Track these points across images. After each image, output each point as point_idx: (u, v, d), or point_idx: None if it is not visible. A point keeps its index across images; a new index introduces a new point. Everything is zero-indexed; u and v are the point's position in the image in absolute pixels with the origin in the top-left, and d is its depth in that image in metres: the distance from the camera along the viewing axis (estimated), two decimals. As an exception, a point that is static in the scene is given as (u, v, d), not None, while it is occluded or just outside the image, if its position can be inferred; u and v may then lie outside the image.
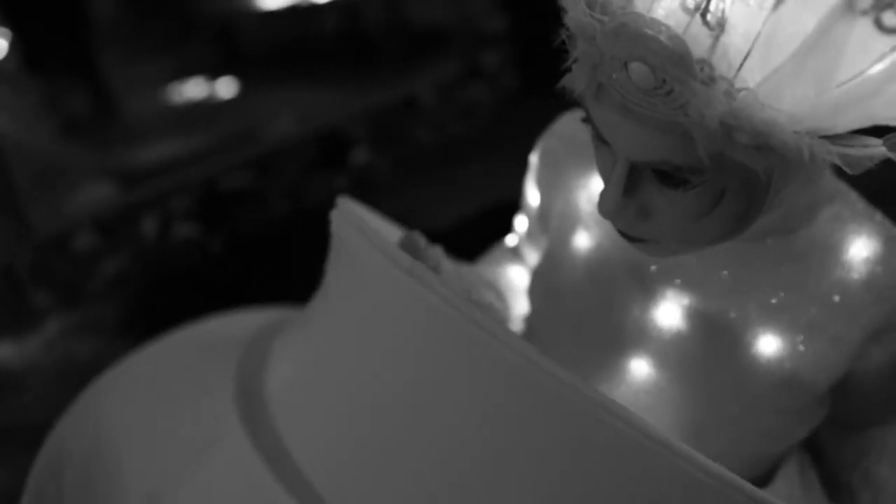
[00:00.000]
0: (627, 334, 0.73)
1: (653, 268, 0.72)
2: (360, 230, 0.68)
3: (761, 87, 0.51)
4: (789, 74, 0.50)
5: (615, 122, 0.57)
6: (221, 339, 0.85)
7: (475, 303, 0.68)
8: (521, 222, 0.89)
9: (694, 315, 0.71)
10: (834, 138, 0.53)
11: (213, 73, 2.97)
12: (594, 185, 0.77)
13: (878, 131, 0.54)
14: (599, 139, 0.60)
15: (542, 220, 0.82)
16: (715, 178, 0.56)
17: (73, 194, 2.09)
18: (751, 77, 0.51)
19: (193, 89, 2.88)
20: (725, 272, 0.70)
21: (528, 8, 2.47)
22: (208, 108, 2.77)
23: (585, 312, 0.75)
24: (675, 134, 0.54)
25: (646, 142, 0.56)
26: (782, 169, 0.57)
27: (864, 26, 0.49)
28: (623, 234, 0.63)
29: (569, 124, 0.80)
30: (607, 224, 0.68)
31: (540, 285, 0.80)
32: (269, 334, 0.80)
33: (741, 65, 0.51)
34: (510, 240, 0.92)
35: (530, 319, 0.84)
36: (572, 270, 0.76)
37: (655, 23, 0.50)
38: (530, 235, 0.86)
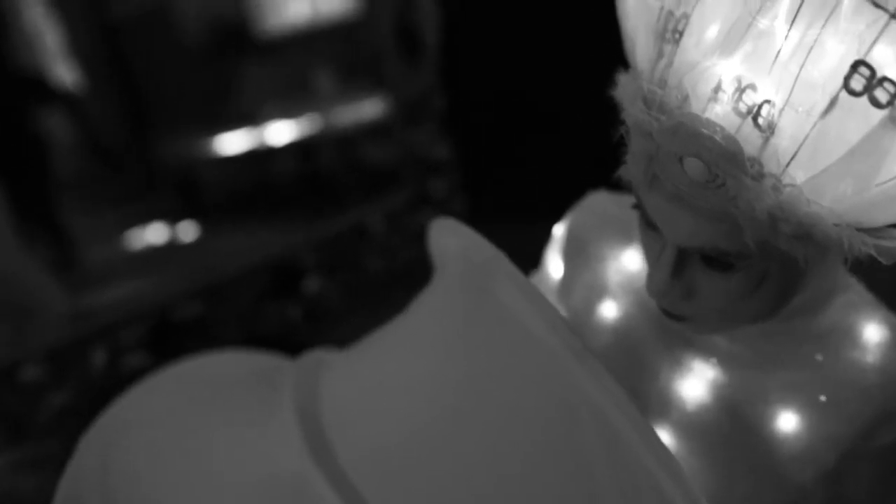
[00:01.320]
0: (651, 403, 0.74)
1: (681, 340, 0.74)
2: (524, 291, 0.61)
3: (806, 185, 0.55)
4: (833, 175, 0.54)
5: (668, 210, 0.61)
6: (247, 371, 0.77)
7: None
8: None
9: (718, 388, 0.73)
10: (870, 231, 0.57)
11: (174, 219, 3.04)
12: (625, 257, 0.80)
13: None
14: (648, 225, 0.64)
15: (563, 291, 0.84)
16: (758, 262, 0.60)
17: (22, 326, 2.09)
18: (797, 175, 0.55)
19: (153, 235, 2.95)
20: (751, 348, 0.72)
21: (472, 135, 2.58)
22: (167, 252, 2.82)
23: None
24: (724, 223, 0.58)
25: (696, 229, 0.60)
26: (820, 256, 0.60)
27: None
28: (666, 312, 0.66)
29: (598, 201, 0.85)
30: (636, 294, 0.73)
31: None
32: (315, 366, 0.73)
33: (788, 164, 0.55)
34: None
35: None
36: (598, 338, 0.78)
37: (711, 123, 0.54)
38: None
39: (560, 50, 2.29)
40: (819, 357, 0.72)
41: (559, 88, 2.28)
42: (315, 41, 2.96)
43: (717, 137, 0.54)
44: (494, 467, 0.58)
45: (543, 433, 0.58)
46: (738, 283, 0.62)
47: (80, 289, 2.52)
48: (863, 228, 0.57)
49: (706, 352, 0.74)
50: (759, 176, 0.55)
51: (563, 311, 0.83)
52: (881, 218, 0.57)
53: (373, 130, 2.75)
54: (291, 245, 2.36)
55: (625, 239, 0.81)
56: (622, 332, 0.78)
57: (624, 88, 0.61)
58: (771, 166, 0.55)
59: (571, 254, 0.85)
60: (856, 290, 0.75)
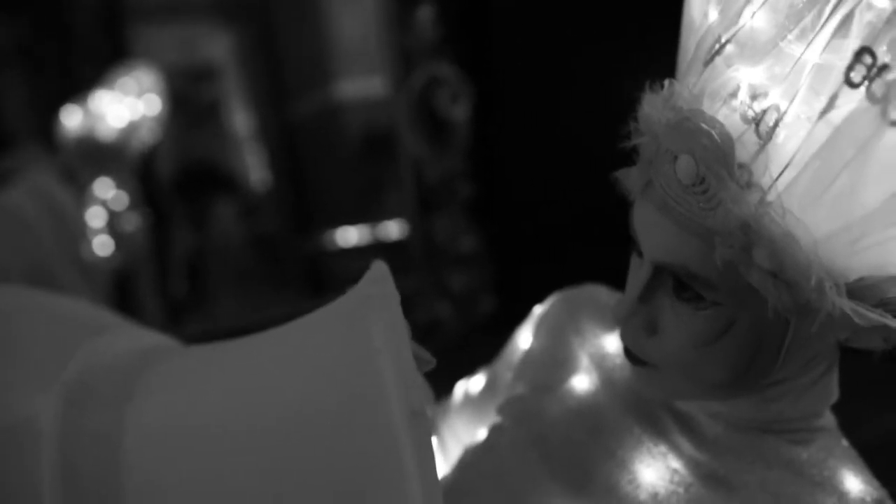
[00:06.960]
0: (595, 484, 0.73)
1: (648, 424, 0.73)
2: (393, 334, 0.53)
3: (786, 192, 0.54)
4: (814, 181, 0.53)
5: (651, 220, 0.61)
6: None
7: None
8: (478, 381, 0.90)
9: (674, 483, 0.70)
10: (850, 294, 0.55)
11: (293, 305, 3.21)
12: (606, 339, 0.80)
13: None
14: (636, 250, 0.65)
15: (525, 362, 0.82)
16: (727, 302, 0.60)
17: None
18: (784, 193, 0.55)
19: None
20: (718, 460, 0.69)
21: (506, 230, 2.41)
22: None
23: (560, 445, 0.75)
24: (698, 238, 0.58)
25: (671, 241, 0.60)
26: (796, 321, 0.59)
27: (893, 136, 0.51)
28: (628, 355, 0.67)
29: (594, 290, 0.86)
30: (609, 372, 0.75)
31: (514, 411, 0.79)
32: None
33: (778, 177, 0.54)
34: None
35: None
36: (561, 403, 0.77)
37: (713, 120, 0.56)
38: (490, 388, 0.87)
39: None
40: (791, 488, 0.66)
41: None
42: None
43: (715, 134, 0.54)
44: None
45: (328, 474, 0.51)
46: (702, 323, 0.60)
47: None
48: (838, 284, 0.54)
49: (671, 447, 0.70)
50: (746, 185, 0.54)
51: (521, 384, 0.80)
52: (860, 265, 0.54)
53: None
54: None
55: (610, 326, 0.79)
56: (589, 404, 0.75)
57: (649, 98, 0.62)
58: (760, 177, 0.54)
59: (550, 330, 0.82)
60: (837, 437, 0.69)
